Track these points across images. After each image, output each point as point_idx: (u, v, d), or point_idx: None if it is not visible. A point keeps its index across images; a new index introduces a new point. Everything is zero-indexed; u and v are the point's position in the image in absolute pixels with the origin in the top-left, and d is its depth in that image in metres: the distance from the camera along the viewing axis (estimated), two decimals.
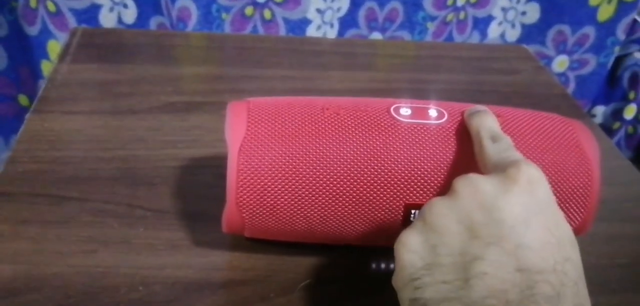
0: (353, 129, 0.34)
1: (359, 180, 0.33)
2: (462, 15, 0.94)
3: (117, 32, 0.77)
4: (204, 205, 0.43)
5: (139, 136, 0.50)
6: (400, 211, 0.34)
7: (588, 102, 1.07)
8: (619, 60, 1.03)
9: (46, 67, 0.85)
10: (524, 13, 0.97)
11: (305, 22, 0.88)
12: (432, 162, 0.34)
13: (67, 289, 0.36)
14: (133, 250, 0.39)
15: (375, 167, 0.33)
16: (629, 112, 1.04)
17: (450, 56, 0.72)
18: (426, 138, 0.34)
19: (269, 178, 0.33)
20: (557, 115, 0.38)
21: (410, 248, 0.28)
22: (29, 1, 0.80)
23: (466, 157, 0.34)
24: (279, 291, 0.37)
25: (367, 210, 0.34)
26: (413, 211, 0.34)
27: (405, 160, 0.34)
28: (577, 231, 0.36)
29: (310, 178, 0.33)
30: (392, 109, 0.35)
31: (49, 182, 0.44)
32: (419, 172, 0.34)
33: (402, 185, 0.34)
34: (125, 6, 0.83)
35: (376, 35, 0.93)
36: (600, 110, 1.08)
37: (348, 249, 0.39)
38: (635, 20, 0.98)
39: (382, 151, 0.34)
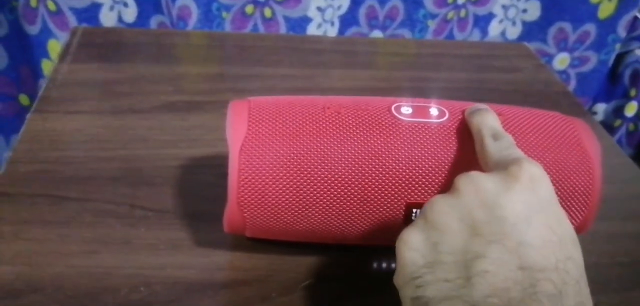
0: (354, 128, 0.34)
1: (360, 179, 0.33)
2: (462, 13, 0.94)
3: (118, 31, 0.77)
4: (205, 204, 0.43)
5: (139, 136, 0.50)
6: (401, 210, 0.34)
7: (589, 100, 1.07)
8: (620, 57, 1.03)
9: (46, 66, 0.85)
10: (524, 11, 0.97)
11: (306, 20, 0.88)
12: (433, 160, 0.34)
13: (68, 290, 0.36)
14: (134, 251, 0.39)
15: (377, 166, 0.33)
16: (630, 110, 1.03)
17: (451, 54, 0.72)
18: (427, 137, 0.34)
19: (270, 177, 0.33)
20: (558, 114, 0.38)
21: (412, 246, 0.28)
22: (30, 0, 0.80)
23: (467, 155, 0.34)
24: (281, 291, 0.37)
25: (368, 209, 0.34)
26: (414, 210, 0.34)
27: (407, 159, 0.33)
28: (578, 230, 0.36)
29: (312, 178, 0.33)
30: (393, 108, 0.35)
31: (49, 183, 0.44)
32: (420, 171, 0.34)
33: (403, 184, 0.34)
34: (125, 5, 0.83)
35: (377, 34, 0.93)
36: (601, 108, 1.08)
37: (349, 248, 0.39)
38: (636, 17, 0.98)
39: (383, 150, 0.34)
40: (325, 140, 0.34)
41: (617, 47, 1.00)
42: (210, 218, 0.41)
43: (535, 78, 0.68)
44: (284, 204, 0.34)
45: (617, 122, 1.06)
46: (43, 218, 0.40)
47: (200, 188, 0.45)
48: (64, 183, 0.44)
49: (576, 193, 0.35)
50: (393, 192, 0.34)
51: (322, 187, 0.33)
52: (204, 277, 0.38)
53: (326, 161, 0.33)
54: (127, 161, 0.47)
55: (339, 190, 0.33)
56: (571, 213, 0.35)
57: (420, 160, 0.34)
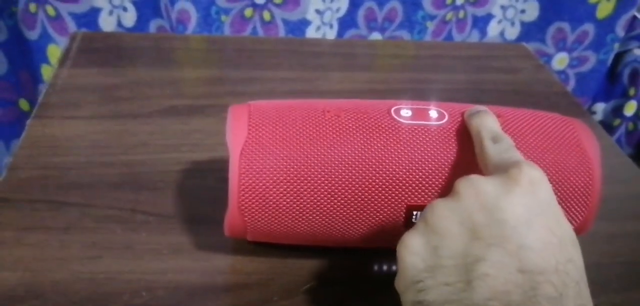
0: (354, 131, 0.34)
1: (360, 182, 0.33)
2: (461, 14, 0.94)
3: (117, 35, 0.78)
4: (206, 209, 0.43)
5: (140, 140, 0.50)
6: (401, 212, 0.34)
7: (588, 99, 1.07)
8: (619, 56, 1.03)
9: (46, 72, 0.85)
10: (523, 11, 0.97)
11: (305, 23, 0.88)
12: (433, 163, 0.34)
13: (70, 296, 0.36)
14: (136, 255, 0.39)
15: (377, 169, 0.33)
16: (629, 109, 1.03)
17: (450, 55, 0.72)
18: (427, 139, 0.34)
19: (271, 181, 0.33)
20: (558, 115, 0.38)
21: (412, 250, 0.28)
22: (29, 6, 0.80)
23: (467, 157, 0.34)
24: (282, 294, 0.37)
25: (368, 212, 0.34)
26: (415, 212, 0.34)
27: (407, 162, 0.34)
28: (578, 231, 0.36)
29: (312, 181, 0.33)
30: (392, 111, 0.35)
31: (50, 188, 0.44)
32: (420, 173, 0.34)
33: (403, 187, 0.34)
34: (124, 9, 0.83)
35: (376, 35, 0.93)
36: (600, 107, 1.08)
37: (350, 251, 0.39)
38: (634, 17, 0.98)
39: (383, 153, 0.34)
40: (325, 143, 0.34)
41: (616, 47, 1.00)
42: (212, 222, 0.41)
43: (534, 79, 0.68)
44: (284, 208, 0.34)
45: (617, 122, 1.06)
46: (44, 224, 0.40)
47: (201, 193, 0.45)
48: (65, 189, 0.44)
49: (576, 194, 0.35)
50: (393, 195, 0.34)
51: (322, 190, 0.33)
52: (206, 281, 0.38)
53: (326, 164, 0.33)
54: (128, 166, 0.47)
55: (339, 194, 0.34)
56: (571, 213, 0.35)
57: (420, 162, 0.34)
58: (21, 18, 0.81)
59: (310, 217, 0.34)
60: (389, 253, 0.32)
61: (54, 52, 0.83)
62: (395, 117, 0.35)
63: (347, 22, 0.90)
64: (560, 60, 1.01)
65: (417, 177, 0.34)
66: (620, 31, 0.98)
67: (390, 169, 0.33)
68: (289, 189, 0.33)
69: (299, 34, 0.89)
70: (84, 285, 0.36)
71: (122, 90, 0.57)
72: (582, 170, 0.35)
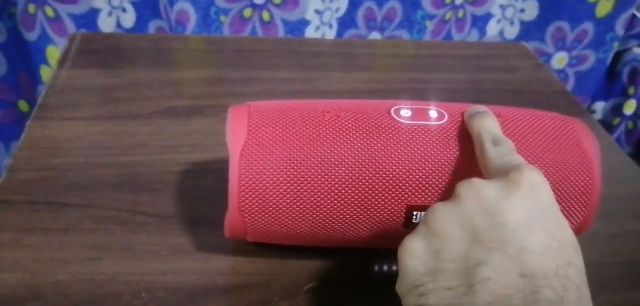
0: (354, 132, 0.34)
1: (360, 183, 0.33)
2: (460, 13, 0.94)
3: (116, 36, 0.77)
4: (206, 209, 0.43)
5: (140, 141, 0.50)
6: (402, 212, 0.34)
7: (587, 98, 1.07)
8: (618, 55, 1.03)
9: (45, 73, 0.85)
10: (522, 10, 0.97)
11: (304, 23, 0.88)
12: (433, 163, 0.34)
13: (70, 297, 0.36)
14: (136, 257, 0.39)
15: (377, 169, 0.33)
16: (629, 108, 1.04)
17: (449, 55, 0.72)
18: (427, 139, 0.34)
19: (271, 182, 0.33)
20: (558, 114, 0.38)
21: (414, 254, 0.28)
22: (28, 7, 0.80)
23: (467, 157, 0.34)
24: (282, 295, 0.37)
25: (369, 212, 0.34)
26: (415, 212, 0.34)
27: (407, 162, 0.34)
28: (578, 230, 0.36)
29: (312, 182, 0.33)
30: (392, 111, 0.35)
31: (50, 189, 0.44)
32: (420, 173, 0.34)
33: (403, 187, 0.34)
34: (123, 10, 0.83)
35: (375, 35, 0.93)
36: (599, 106, 1.08)
37: (351, 252, 0.39)
38: (634, 16, 0.98)
39: (383, 153, 0.34)
40: (325, 144, 0.34)
41: (615, 46, 1.00)
42: (211, 223, 0.41)
43: (534, 78, 0.68)
44: (284, 208, 0.34)
45: (616, 120, 1.06)
46: (44, 225, 0.40)
47: (201, 193, 0.45)
48: (65, 190, 0.44)
49: (576, 194, 0.35)
50: (393, 195, 0.34)
51: (322, 190, 0.33)
52: (206, 282, 0.38)
53: (326, 165, 0.33)
54: (128, 167, 0.47)
55: (340, 194, 0.34)
56: (571, 213, 0.35)
57: (420, 162, 0.34)
58: (20, 19, 0.81)
59: (311, 218, 0.34)
60: (389, 254, 0.32)
61: (53, 53, 0.83)
62: (395, 117, 0.35)
63: (346, 21, 0.90)
64: (559, 59, 1.01)
65: (417, 177, 0.34)
66: (619, 30, 0.98)
67: (390, 169, 0.33)
68: (289, 190, 0.33)
69: (298, 34, 0.89)
70: (83, 286, 0.36)
71: (121, 91, 0.57)
72: (582, 170, 0.35)
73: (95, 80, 0.59)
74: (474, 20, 0.96)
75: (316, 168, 0.33)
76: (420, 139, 0.34)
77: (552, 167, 0.34)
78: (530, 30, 0.98)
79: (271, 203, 0.34)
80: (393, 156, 0.34)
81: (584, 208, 0.35)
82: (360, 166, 0.33)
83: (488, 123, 0.33)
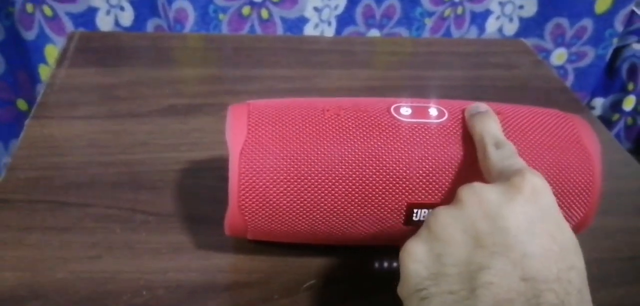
0: (354, 130, 0.34)
1: (360, 181, 0.33)
2: (459, 10, 0.94)
3: (115, 35, 0.77)
4: (206, 208, 0.43)
5: (139, 140, 0.50)
6: (402, 211, 0.34)
7: (587, 94, 1.07)
8: (618, 51, 1.04)
9: (44, 71, 0.85)
10: (521, 7, 0.97)
11: (303, 20, 0.88)
12: (433, 161, 0.34)
13: (71, 295, 0.36)
14: (136, 255, 0.39)
15: (377, 167, 0.33)
16: (628, 104, 1.04)
17: (448, 52, 0.72)
18: (427, 137, 0.34)
19: (271, 180, 0.33)
20: (558, 111, 0.38)
21: (416, 257, 0.28)
22: (26, 6, 0.80)
23: (467, 156, 0.34)
24: (283, 293, 0.37)
25: (369, 210, 0.34)
26: (415, 210, 0.34)
27: (407, 160, 0.34)
28: (579, 227, 0.36)
29: (312, 180, 0.33)
30: (392, 109, 0.35)
31: (50, 188, 0.44)
32: (421, 171, 0.34)
33: (403, 185, 0.34)
34: (121, 9, 0.83)
35: (374, 32, 0.93)
36: (599, 102, 1.08)
37: (351, 249, 0.39)
38: (633, 12, 0.98)
39: (383, 151, 0.34)
40: (325, 142, 0.34)
41: (615, 42, 1.01)
42: (211, 221, 0.41)
43: (533, 75, 0.68)
44: (284, 207, 0.34)
45: (615, 116, 1.06)
46: (44, 224, 0.40)
47: (200, 192, 0.45)
48: (65, 189, 0.44)
49: (576, 191, 0.35)
50: (394, 193, 0.34)
51: (322, 188, 0.33)
52: (206, 280, 0.38)
53: (326, 163, 0.33)
54: (127, 165, 0.47)
55: (340, 192, 0.33)
56: (572, 210, 0.35)
57: (420, 160, 0.34)
58: (18, 18, 0.81)
59: (311, 216, 0.34)
60: (390, 251, 0.32)
61: (52, 52, 0.83)
62: (395, 115, 0.35)
63: (345, 19, 0.90)
64: (558, 56, 1.01)
65: (418, 174, 0.34)
66: (618, 26, 0.98)
67: (391, 167, 0.33)
68: (289, 188, 0.33)
69: (297, 31, 0.89)
70: (84, 285, 0.36)
71: (120, 89, 0.57)
72: (582, 167, 0.35)
73: (94, 79, 0.58)
74: (473, 17, 0.96)
75: (316, 166, 0.33)
76: (421, 137, 0.34)
77: (552, 164, 0.34)
78: (530, 26, 0.98)
79: (271, 202, 0.34)
80: (393, 154, 0.34)
81: (584, 205, 0.35)
82: (360, 164, 0.33)
83: (490, 125, 0.33)
